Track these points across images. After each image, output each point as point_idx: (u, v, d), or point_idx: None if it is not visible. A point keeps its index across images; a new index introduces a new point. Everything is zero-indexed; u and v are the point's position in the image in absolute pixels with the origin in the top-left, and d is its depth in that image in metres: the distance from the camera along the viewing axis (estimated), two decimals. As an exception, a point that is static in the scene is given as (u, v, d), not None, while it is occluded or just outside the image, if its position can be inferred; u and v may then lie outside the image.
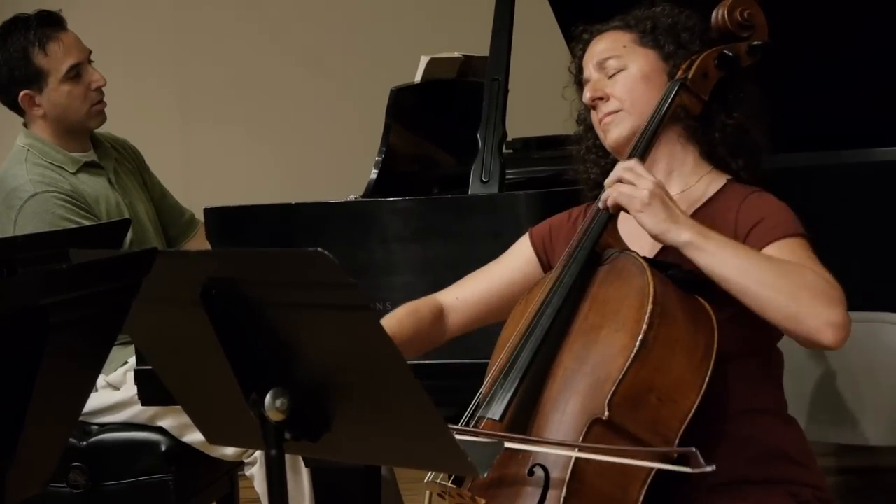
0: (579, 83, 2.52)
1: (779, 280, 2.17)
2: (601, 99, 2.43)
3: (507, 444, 2.08)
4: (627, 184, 2.23)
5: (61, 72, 3.52)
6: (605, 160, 2.48)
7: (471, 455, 1.80)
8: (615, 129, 2.42)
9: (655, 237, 2.24)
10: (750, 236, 2.29)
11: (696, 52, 2.40)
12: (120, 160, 3.70)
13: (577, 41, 2.54)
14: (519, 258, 2.55)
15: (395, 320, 2.45)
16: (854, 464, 4.62)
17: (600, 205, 2.29)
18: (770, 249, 2.26)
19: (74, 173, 3.52)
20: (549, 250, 2.52)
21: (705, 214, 2.34)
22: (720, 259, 2.19)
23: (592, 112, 2.46)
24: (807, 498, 2.28)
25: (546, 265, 2.51)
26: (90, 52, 3.60)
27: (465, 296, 2.54)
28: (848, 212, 3.05)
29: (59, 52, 3.52)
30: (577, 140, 2.57)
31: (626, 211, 2.25)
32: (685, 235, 2.20)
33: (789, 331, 2.18)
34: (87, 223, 3.41)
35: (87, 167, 3.57)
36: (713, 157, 2.42)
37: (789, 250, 2.25)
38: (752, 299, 2.18)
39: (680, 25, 2.43)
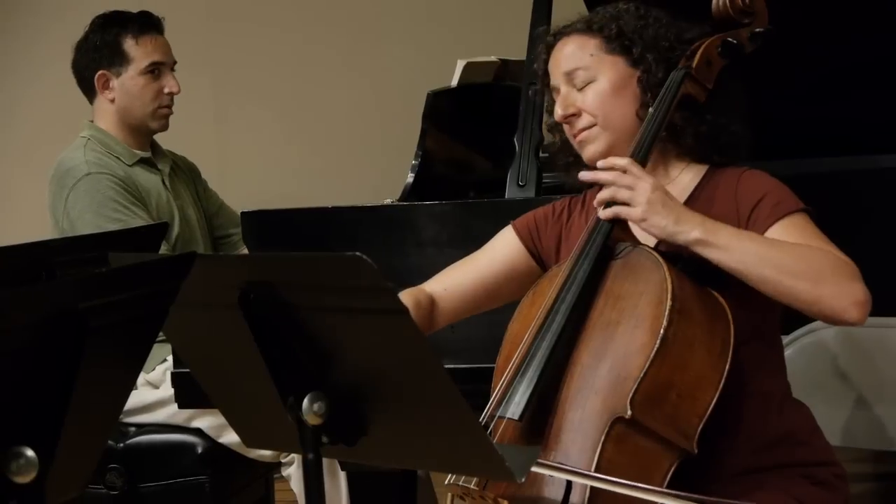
0: (546, 85, 2.48)
1: (797, 265, 2.15)
2: (574, 115, 2.40)
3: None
4: (624, 188, 2.19)
5: (143, 63, 3.61)
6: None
7: (508, 460, 1.80)
8: (591, 145, 2.40)
9: (663, 241, 2.22)
10: (754, 215, 2.27)
11: (665, 55, 2.37)
12: (176, 170, 3.76)
13: (541, 42, 2.49)
14: (504, 249, 2.52)
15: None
16: (890, 470, 4.59)
17: (600, 215, 2.25)
18: (777, 227, 2.24)
19: (130, 165, 3.61)
20: (536, 240, 2.50)
21: (703, 199, 2.33)
22: (734, 252, 2.16)
23: (565, 125, 2.43)
24: (822, 477, 2.28)
25: (537, 255, 2.49)
26: (176, 62, 3.67)
27: (452, 286, 2.51)
28: (858, 217, 3.02)
29: (149, 45, 3.63)
30: (550, 130, 2.55)
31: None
32: (694, 233, 2.17)
33: (812, 313, 2.17)
34: (135, 209, 3.48)
35: (144, 163, 3.65)
36: (691, 153, 2.40)
37: (797, 227, 2.24)
38: (772, 287, 2.16)
39: (648, 28, 2.39)
